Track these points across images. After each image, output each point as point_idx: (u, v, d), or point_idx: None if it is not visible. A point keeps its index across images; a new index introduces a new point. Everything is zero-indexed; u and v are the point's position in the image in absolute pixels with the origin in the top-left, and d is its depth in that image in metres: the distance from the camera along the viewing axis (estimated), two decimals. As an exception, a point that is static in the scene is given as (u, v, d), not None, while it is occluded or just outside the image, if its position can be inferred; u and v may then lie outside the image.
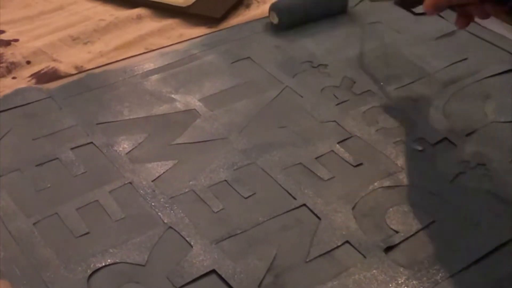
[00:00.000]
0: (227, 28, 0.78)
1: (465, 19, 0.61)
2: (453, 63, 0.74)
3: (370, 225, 0.56)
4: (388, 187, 0.59)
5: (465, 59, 0.75)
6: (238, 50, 0.75)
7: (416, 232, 0.55)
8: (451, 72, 0.73)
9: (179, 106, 0.67)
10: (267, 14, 0.79)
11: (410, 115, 0.67)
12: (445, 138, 0.64)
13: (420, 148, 0.63)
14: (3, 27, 0.76)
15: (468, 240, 0.55)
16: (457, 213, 0.57)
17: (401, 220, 0.56)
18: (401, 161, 0.61)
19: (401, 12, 0.82)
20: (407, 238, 0.55)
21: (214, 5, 0.80)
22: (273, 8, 0.78)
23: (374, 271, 0.52)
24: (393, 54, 0.76)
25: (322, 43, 0.77)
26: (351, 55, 0.75)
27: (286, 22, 0.78)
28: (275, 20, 0.77)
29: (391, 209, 0.57)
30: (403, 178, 0.60)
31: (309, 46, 0.76)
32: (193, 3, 0.80)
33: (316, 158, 0.62)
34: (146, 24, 0.78)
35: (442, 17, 0.81)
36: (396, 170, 0.61)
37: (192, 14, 0.79)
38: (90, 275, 0.51)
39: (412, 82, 0.71)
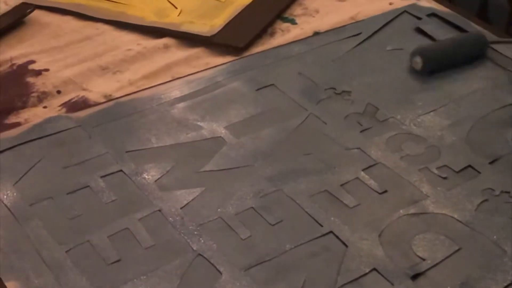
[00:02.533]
0: (251, 55, 0.80)
1: None
2: (475, 91, 0.75)
3: (397, 253, 0.56)
4: (413, 214, 0.60)
5: (487, 86, 0.76)
6: (262, 77, 0.76)
7: (443, 260, 0.56)
8: (473, 99, 0.74)
9: (206, 133, 0.69)
10: (289, 41, 0.80)
11: (434, 142, 0.68)
12: (469, 166, 0.65)
13: (444, 175, 0.64)
14: (33, 57, 0.78)
15: (494, 268, 0.55)
16: (482, 241, 0.57)
17: (427, 248, 0.57)
18: (425, 189, 0.62)
19: (422, 39, 0.83)
20: (433, 266, 0.55)
21: (238, 34, 0.82)
22: (418, 53, 0.76)
23: (401, 298, 0.53)
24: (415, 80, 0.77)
25: (349, 70, 0.78)
26: (373, 81, 0.76)
27: (430, 68, 0.76)
28: (419, 66, 0.76)
29: (417, 236, 0.58)
30: (428, 205, 0.61)
31: (333, 72, 0.77)
32: (217, 33, 0.81)
33: (341, 185, 0.63)
34: (172, 53, 0.79)
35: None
36: (421, 197, 0.61)
37: (216, 43, 0.80)
38: (122, 303, 0.52)
39: (435, 110, 0.72)
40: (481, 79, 0.77)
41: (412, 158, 0.66)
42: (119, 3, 0.86)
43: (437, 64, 0.77)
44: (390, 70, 0.78)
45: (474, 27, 0.84)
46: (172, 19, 0.84)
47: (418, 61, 0.76)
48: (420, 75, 0.77)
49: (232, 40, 0.81)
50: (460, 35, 0.81)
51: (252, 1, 0.87)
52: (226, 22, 0.83)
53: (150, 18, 0.84)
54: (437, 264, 0.55)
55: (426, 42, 0.83)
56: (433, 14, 0.87)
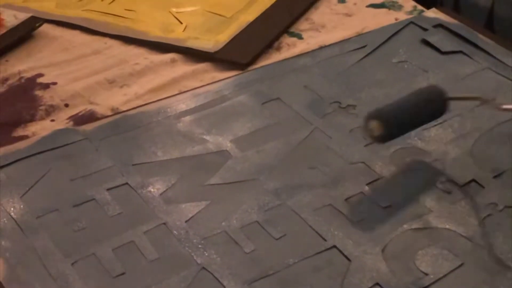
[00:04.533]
0: (257, 68, 0.80)
1: None
2: (480, 104, 0.75)
3: (400, 267, 0.56)
4: (417, 229, 0.60)
5: (493, 99, 0.76)
6: (268, 91, 0.77)
7: (446, 275, 0.56)
8: (478, 113, 0.74)
9: (211, 147, 0.69)
10: (295, 55, 0.81)
11: (438, 156, 0.68)
12: (473, 180, 0.65)
13: (448, 189, 0.64)
14: (42, 71, 0.79)
15: (497, 283, 0.55)
16: (486, 256, 0.58)
17: (430, 263, 0.57)
18: (429, 203, 0.62)
19: (428, 51, 0.83)
20: (436, 281, 0.55)
21: (241, 50, 0.82)
22: (376, 117, 0.62)
23: (404, 313, 0.53)
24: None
25: (354, 83, 0.78)
26: (379, 94, 0.77)
27: (391, 136, 0.63)
28: (376, 132, 0.62)
29: (420, 251, 0.58)
30: (431, 220, 0.61)
31: (339, 86, 0.78)
32: (221, 49, 0.82)
33: (345, 199, 0.63)
34: (179, 67, 0.80)
35: (470, 57, 0.82)
36: (424, 212, 0.61)
37: (219, 59, 0.81)
38: (127, 316, 0.53)
39: (439, 123, 0.72)
40: (487, 92, 0.77)
41: (416, 173, 0.66)
42: (126, 18, 0.87)
43: (397, 128, 0.63)
44: (396, 83, 0.78)
45: (481, 39, 0.84)
46: (177, 34, 0.84)
47: (375, 127, 0.62)
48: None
49: (236, 56, 0.81)
50: (417, 92, 0.67)
51: (257, 17, 0.88)
52: (231, 38, 0.84)
53: (155, 33, 0.85)
54: (440, 279, 0.55)
55: (432, 53, 0.83)
56: (439, 25, 0.87)
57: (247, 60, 0.81)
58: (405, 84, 0.78)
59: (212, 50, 0.82)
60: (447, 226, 0.60)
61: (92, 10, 0.89)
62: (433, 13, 0.89)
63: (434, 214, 0.61)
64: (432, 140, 0.70)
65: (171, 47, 0.83)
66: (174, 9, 0.90)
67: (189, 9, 0.90)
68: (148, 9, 0.89)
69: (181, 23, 0.87)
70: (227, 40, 0.83)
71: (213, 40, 0.83)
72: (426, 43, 0.84)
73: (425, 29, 0.86)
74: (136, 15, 0.88)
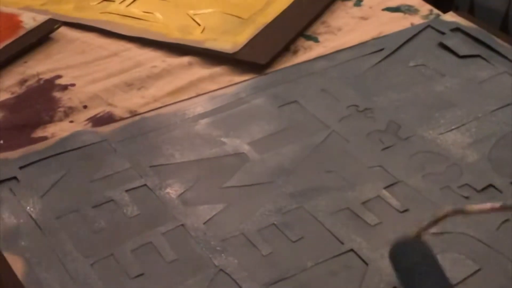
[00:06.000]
0: (274, 71, 0.81)
1: None
2: (498, 108, 0.75)
3: (417, 272, 0.56)
4: (434, 233, 0.60)
5: (510, 104, 0.76)
6: (285, 94, 0.77)
7: (463, 280, 0.56)
8: (496, 117, 0.74)
9: (229, 149, 0.69)
10: (312, 58, 0.81)
11: (456, 160, 0.68)
12: (491, 185, 0.65)
13: (465, 194, 0.64)
14: (60, 72, 0.79)
15: (515, 288, 0.55)
16: (503, 261, 0.57)
17: (447, 267, 0.57)
18: (446, 208, 0.62)
19: (445, 55, 0.83)
20: (453, 286, 0.55)
21: (260, 51, 0.82)
22: None
23: (421, 318, 0.53)
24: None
25: (371, 86, 0.78)
26: (396, 98, 0.77)
27: None
28: None
29: (437, 256, 0.58)
30: (448, 224, 0.61)
31: (356, 89, 0.78)
32: (240, 50, 0.82)
33: (362, 203, 0.63)
34: (197, 70, 0.80)
35: (488, 61, 0.82)
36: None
37: (238, 60, 0.81)
38: (145, 317, 0.53)
39: (457, 127, 0.72)
40: (505, 97, 0.77)
41: (434, 177, 0.66)
42: (143, 20, 0.88)
43: None
44: (413, 86, 0.78)
45: (499, 43, 0.84)
46: (195, 36, 0.85)
47: None
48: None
49: (254, 57, 0.82)
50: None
51: (274, 19, 0.88)
52: (249, 39, 0.84)
53: (173, 35, 0.85)
54: (457, 284, 0.55)
55: (449, 57, 0.83)
56: (457, 29, 0.87)
57: (266, 60, 0.81)
58: (422, 88, 0.78)
59: (231, 51, 0.82)
60: (465, 231, 0.60)
61: (110, 13, 0.89)
62: (450, 17, 0.89)
63: (451, 219, 0.61)
64: (450, 144, 0.70)
65: (189, 49, 0.83)
66: (191, 11, 0.90)
67: (206, 11, 0.90)
68: (166, 11, 0.90)
69: (199, 25, 0.87)
70: (245, 42, 0.84)
71: (231, 41, 0.84)
72: (444, 46, 0.84)
73: (442, 33, 0.86)
74: (154, 17, 0.88)
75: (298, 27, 0.87)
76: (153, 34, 0.85)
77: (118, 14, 0.89)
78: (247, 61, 0.81)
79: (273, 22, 0.88)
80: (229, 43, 0.83)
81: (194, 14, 0.89)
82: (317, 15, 0.90)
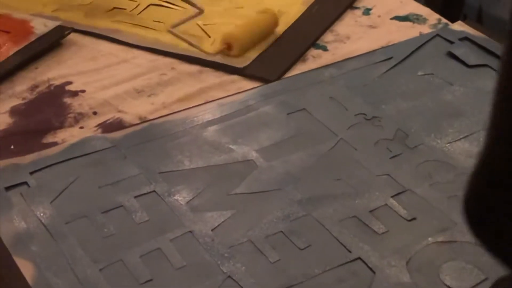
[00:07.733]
0: (283, 79, 0.81)
1: None
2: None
3: (424, 281, 0.57)
4: (442, 242, 0.60)
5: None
6: (293, 101, 0.77)
7: (470, 289, 0.56)
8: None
9: (237, 156, 0.70)
10: (321, 66, 0.82)
11: (464, 170, 0.68)
12: (499, 194, 0.65)
13: (473, 203, 0.64)
14: (70, 78, 0.80)
15: (522, 298, 0.55)
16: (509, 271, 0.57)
17: (454, 276, 0.57)
18: (455, 217, 0.62)
19: (454, 64, 0.84)
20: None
21: (269, 66, 0.82)
22: None
23: (428, 326, 0.53)
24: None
25: (380, 95, 0.79)
26: (404, 106, 0.77)
27: None
28: None
29: (444, 264, 0.58)
30: (456, 233, 0.61)
31: (364, 98, 0.78)
32: (249, 64, 0.82)
33: (370, 211, 0.63)
34: (206, 78, 0.81)
35: (496, 71, 0.82)
36: (450, 225, 0.62)
37: (248, 75, 0.81)
38: (153, 322, 0.54)
39: (466, 136, 0.72)
40: None
41: (441, 186, 0.66)
42: (154, 29, 0.88)
43: None
44: (421, 95, 0.79)
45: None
46: (205, 48, 0.85)
47: None
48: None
49: (264, 72, 0.82)
50: None
51: (285, 32, 0.88)
52: (259, 53, 0.84)
53: (183, 45, 0.85)
54: (464, 293, 0.56)
55: (458, 67, 0.83)
56: (465, 38, 0.87)
57: (275, 77, 0.81)
58: (430, 96, 0.79)
59: (241, 65, 0.82)
60: (472, 240, 0.60)
61: (120, 21, 0.89)
62: (459, 26, 0.89)
63: (459, 228, 0.61)
64: (458, 153, 0.70)
65: (199, 60, 0.83)
66: (201, 22, 0.90)
67: (216, 22, 0.90)
68: (177, 21, 0.90)
69: (209, 36, 0.87)
70: (255, 56, 0.83)
71: (241, 55, 0.83)
72: (452, 56, 0.84)
73: (451, 42, 0.86)
74: (165, 27, 0.89)
75: (308, 40, 0.87)
76: (163, 45, 0.85)
77: (128, 23, 0.89)
78: (256, 76, 0.81)
79: (283, 35, 0.88)
80: (239, 57, 0.83)
81: (204, 25, 0.89)
82: (327, 27, 0.90)
